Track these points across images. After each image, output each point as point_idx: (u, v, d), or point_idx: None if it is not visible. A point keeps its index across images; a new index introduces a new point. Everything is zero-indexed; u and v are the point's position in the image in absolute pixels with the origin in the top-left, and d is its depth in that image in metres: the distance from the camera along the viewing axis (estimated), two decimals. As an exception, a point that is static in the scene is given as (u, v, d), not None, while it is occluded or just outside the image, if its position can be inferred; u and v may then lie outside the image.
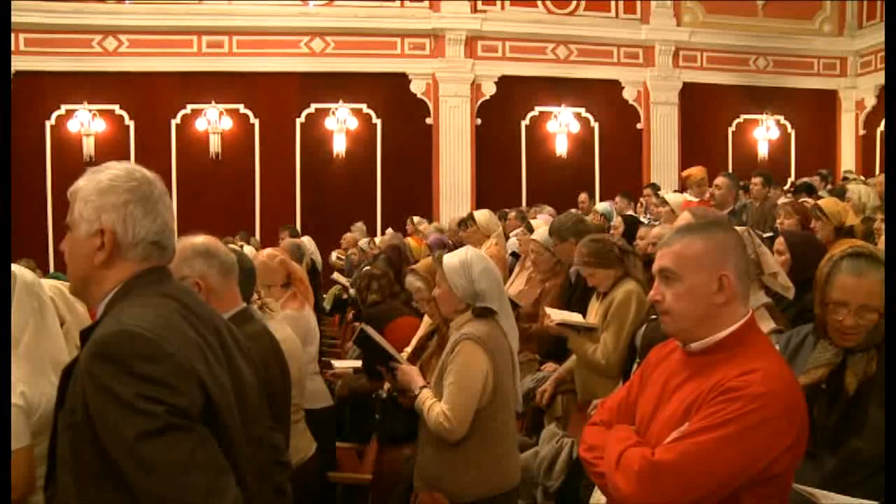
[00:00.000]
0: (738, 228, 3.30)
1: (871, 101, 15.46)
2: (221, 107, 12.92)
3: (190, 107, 12.93)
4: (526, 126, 14.13)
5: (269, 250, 4.69)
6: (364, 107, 13.51)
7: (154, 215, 1.76)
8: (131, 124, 12.84)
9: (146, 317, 1.63)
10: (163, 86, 12.67)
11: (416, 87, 13.61)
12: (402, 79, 13.51)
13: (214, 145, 12.89)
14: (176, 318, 1.69)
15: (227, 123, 13.00)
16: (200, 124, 12.91)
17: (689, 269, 1.93)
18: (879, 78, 15.17)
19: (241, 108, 13.16)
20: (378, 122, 13.61)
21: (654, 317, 3.66)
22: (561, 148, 14.09)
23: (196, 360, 1.64)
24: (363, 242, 10.26)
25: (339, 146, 13.29)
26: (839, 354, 2.46)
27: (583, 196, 11.73)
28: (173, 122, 12.96)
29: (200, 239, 2.67)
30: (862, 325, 2.42)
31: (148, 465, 1.53)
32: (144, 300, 1.69)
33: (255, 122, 13.23)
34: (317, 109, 13.38)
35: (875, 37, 15.06)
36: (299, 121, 13.37)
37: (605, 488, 1.93)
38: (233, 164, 13.02)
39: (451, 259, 3.24)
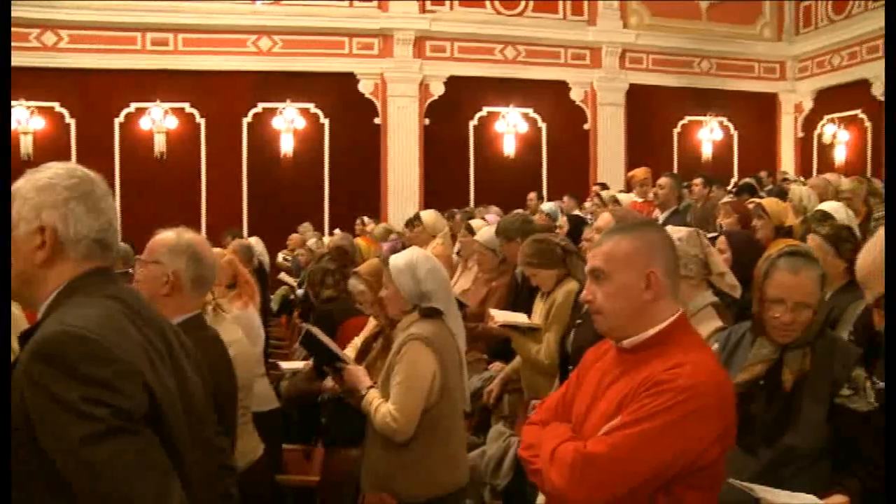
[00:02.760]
0: (687, 229, 3.38)
1: (808, 105, 15.91)
2: (166, 105, 12.68)
3: (134, 105, 12.67)
4: (474, 126, 14.19)
5: (217, 250, 4.64)
6: (312, 106, 13.42)
7: (97, 213, 1.73)
8: (72, 122, 12.53)
9: (90, 318, 1.59)
10: (105, 83, 12.37)
11: (365, 87, 13.57)
12: (350, 78, 13.45)
13: (159, 145, 12.64)
14: (120, 319, 1.66)
15: (173, 122, 12.77)
16: (145, 123, 12.65)
17: (617, 268, 1.97)
18: (816, 82, 15.61)
19: (187, 106, 12.94)
20: (326, 121, 13.53)
21: (579, 321, 3.70)
22: (509, 148, 14.18)
23: (141, 361, 1.62)
24: (312, 242, 10.19)
25: (287, 146, 13.17)
26: (776, 351, 2.53)
27: (531, 195, 11.83)
28: (116, 121, 12.69)
29: (196, 240, 2.65)
30: (798, 322, 2.49)
31: (93, 470, 1.50)
32: (88, 301, 1.66)
33: (202, 121, 13.03)
34: (264, 109, 13.24)
35: (811, 43, 15.52)
36: (246, 120, 13.22)
37: (541, 485, 1.95)
38: (178, 163, 12.79)
39: (397, 260, 3.25)
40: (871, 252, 1.87)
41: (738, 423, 1.95)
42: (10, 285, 1.70)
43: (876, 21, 13.80)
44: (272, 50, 13.08)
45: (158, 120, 12.61)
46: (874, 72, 14.01)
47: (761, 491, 2.13)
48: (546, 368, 4.15)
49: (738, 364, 2.57)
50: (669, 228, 3.31)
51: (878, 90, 13.95)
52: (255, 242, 8.52)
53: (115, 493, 1.52)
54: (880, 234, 1.91)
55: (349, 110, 13.53)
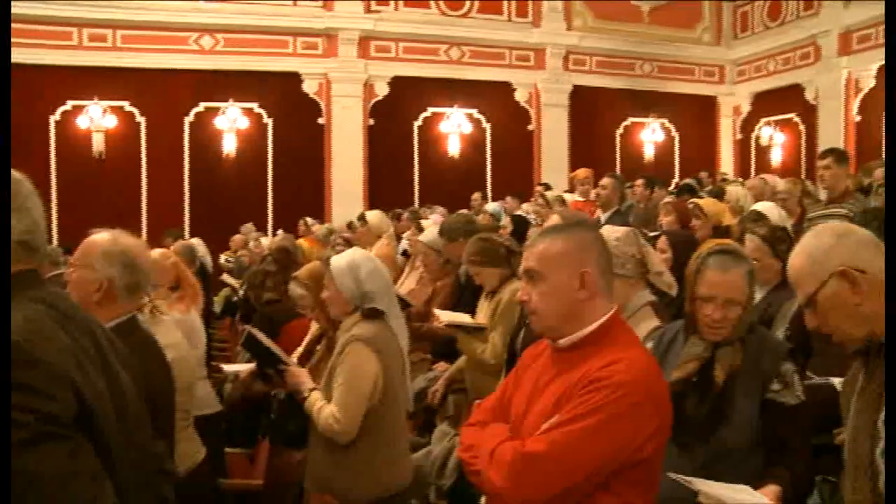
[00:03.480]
0: (624, 228, 3.43)
1: (746, 108, 16.31)
2: (105, 104, 12.38)
3: (71, 103, 12.33)
4: (418, 127, 14.19)
5: (161, 250, 4.57)
6: (255, 106, 13.26)
7: (21, 214, 1.66)
8: (7, 120, 12.18)
9: (16, 321, 1.55)
10: (40, 80, 11.98)
11: (309, 87, 13.47)
12: (294, 78, 13.34)
13: (98, 144, 12.33)
14: (48, 322, 1.62)
15: (112, 121, 12.47)
16: (82, 122, 12.32)
17: (551, 268, 1.99)
18: (754, 86, 16.01)
19: (127, 105, 12.66)
20: (269, 121, 13.39)
21: (528, 321, 3.73)
22: (453, 148, 14.23)
23: (70, 365, 1.58)
24: (254, 243, 10.10)
25: (230, 146, 13.00)
26: (708, 349, 2.59)
27: (476, 196, 11.88)
28: (52, 120, 12.34)
29: (132, 245, 2.58)
30: (728, 319, 2.55)
31: (24, 478, 1.47)
32: (14, 304, 1.61)
33: (142, 120, 12.76)
34: (206, 108, 13.04)
35: (749, 48, 15.93)
36: (188, 120, 13.00)
37: (481, 485, 1.96)
38: (118, 163, 12.49)
39: (338, 261, 3.24)
40: (801, 253, 1.93)
41: (673, 421, 1.98)
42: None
43: (807, 29, 14.24)
44: (215, 48, 12.89)
45: (97, 119, 12.30)
46: (807, 77, 14.42)
47: (699, 483, 2.17)
48: (492, 368, 4.15)
49: (671, 362, 2.62)
50: (607, 228, 3.36)
51: (811, 95, 14.36)
52: (197, 244, 8.39)
53: (45, 500, 1.49)
54: (808, 236, 1.97)
55: (293, 110, 13.42)
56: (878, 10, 12.75)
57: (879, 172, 8.11)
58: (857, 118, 13.53)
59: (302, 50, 13.39)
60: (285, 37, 13.24)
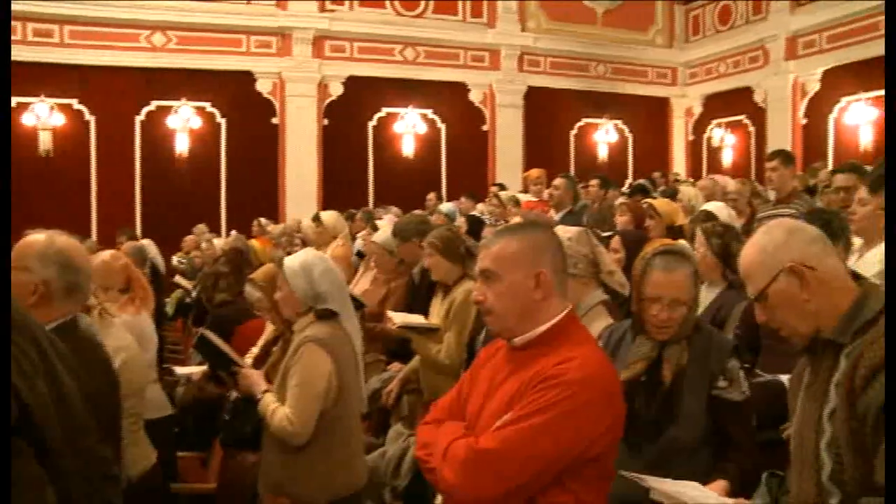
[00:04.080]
0: (577, 228, 3.45)
1: (698, 109, 16.59)
2: (52, 101, 12.09)
3: (16, 100, 11.97)
4: (373, 127, 14.15)
5: (112, 252, 4.49)
6: (208, 105, 13.10)
7: None
8: (-55, 118, 11.85)
9: None
10: (-17, 77, 11.73)
11: (262, 86, 13.35)
12: (247, 77, 13.21)
13: (44, 143, 12.04)
14: None
15: (59, 119, 12.18)
16: (28, 119, 11.98)
17: (507, 268, 2.00)
18: (705, 88, 16.29)
19: (75, 103, 12.39)
20: (222, 121, 13.24)
21: None
22: (408, 149, 14.22)
23: (9, 370, 1.54)
24: (206, 245, 9.97)
25: (182, 146, 12.82)
26: (655, 348, 2.64)
27: (431, 196, 11.89)
28: (-3, 117, 12.05)
29: (69, 246, 2.51)
30: (674, 319, 2.60)
31: None
32: None
33: (91, 118, 12.50)
34: (158, 107, 12.83)
35: (700, 50, 16.21)
36: (139, 118, 12.78)
37: (436, 483, 1.97)
38: (66, 162, 12.21)
39: (291, 262, 3.22)
40: (753, 248, 1.96)
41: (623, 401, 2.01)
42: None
43: (756, 33, 14.55)
44: (166, 46, 12.70)
45: (43, 117, 12.01)
46: (756, 80, 14.72)
47: (651, 481, 2.19)
48: (447, 368, 4.15)
49: (620, 361, 2.66)
50: (560, 228, 3.39)
51: (760, 97, 14.65)
52: (148, 244, 8.26)
53: None
54: (760, 231, 2.00)
55: (246, 110, 13.28)
56: (823, 16, 13.12)
57: (824, 174, 8.30)
58: (804, 121, 13.83)
59: (255, 49, 13.27)
60: (238, 35, 13.10)
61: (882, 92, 12.33)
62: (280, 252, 7.14)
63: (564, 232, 3.23)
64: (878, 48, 12.20)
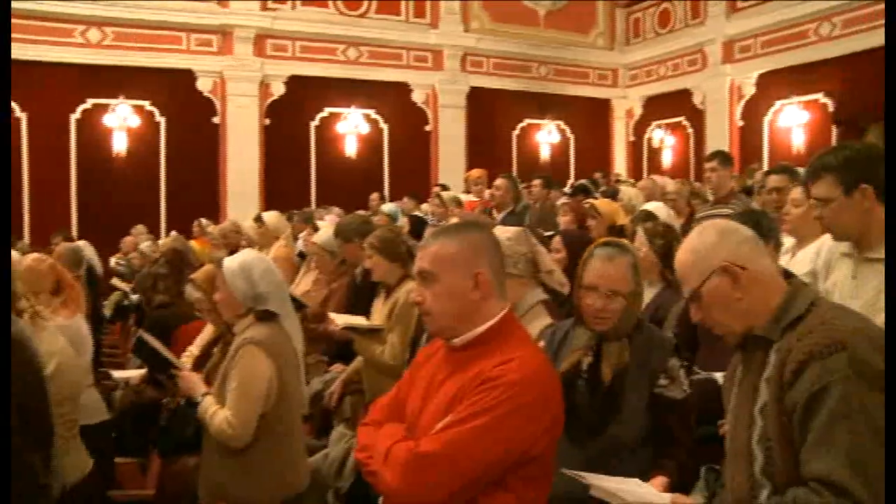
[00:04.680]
0: (516, 228, 3.47)
1: (638, 111, 16.87)
2: (-19, 99, 11.76)
3: (-57, 98, 11.66)
4: (316, 127, 14.06)
5: (36, 255, 4.37)
6: (147, 104, 12.85)
7: None
8: None
9: None
10: None
11: (203, 85, 13.16)
12: (187, 75, 13.00)
13: (-26, 141, 11.71)
14: None
15: (-11, 117, 11.85)
16: (-44, 117, 11.66)
17: (445, 269, 2.00)
18: (645, 90, 16.57)
19: (7, 100, 12.07)
20: (162, 120, 12.99)
21: None
22: (350, 149, 14.17)
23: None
24: (144, 246, 9.78)
25: (120, 145, 12.55)
26: (593, 338, 2.67)
27: (374, 196, 11.85)
28: (-78, 115, 11.64)
29: None
30: (610, 310, 2.63)
31: None
32: None
33: (23, 116, 12.11)
34: (94, 105, 12.52)
35: (640, 53, 16.48)
36: (74, 117, 12.46)
37: (377, 486, 1.96)
38: (-3, 161, 11.89)
39: (230, 263, 3.18)
40: (687, 249, 2.00)
41: (565, 415, 2.02)
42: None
43: (695, 37, 14.86)
44: (102, 42, 12.42)
45: (-27, 114, 11.66)
46: (694, 82, 15.03)
47: (591, 478, 2.21)
48: (391, 369, 4.12)
49: (564, 359, 2.68)
50: (499, 228, 3.41)
51: (698, 99, 14.96)
52: (84, 246, 8.08)
53: None
54: (693, 233, 2.04)
55: (187, 108, 13.07)
56: (757, 22, 13.48)
57: (759, 175, 8.49)
58: (740, 123, 14.16)
59: (196, 47, 13.06)
60: (178, 32, 12.88)
61: (814, 96, 12.74)
62: (220, 252, 7.05)
63: (503, 232, 3.25)
64: (809, 54, 12.61)
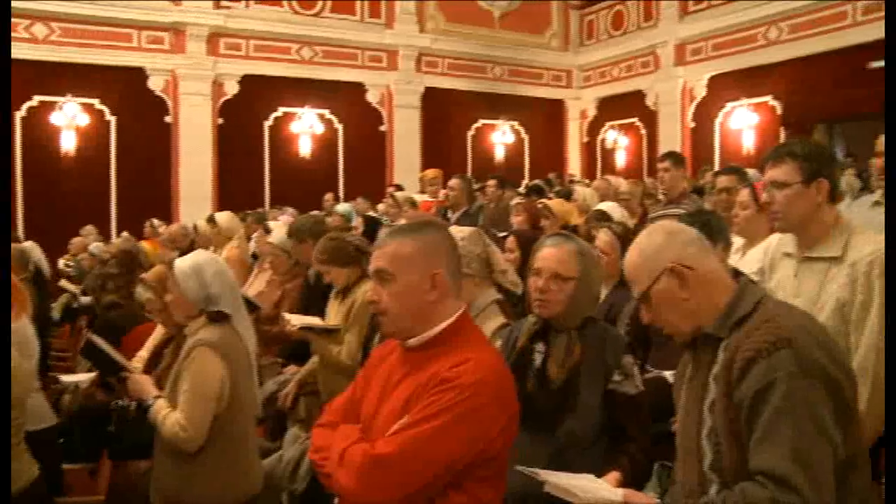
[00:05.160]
0: (470, 228, 3.48)
1: (592, 112, 17.04)
2: (-80, 96, 11.44)
3: None
4: (270, 126, 13.96)
5: (-25, 256, 4.26)
6: (96, 102, 12.61)
7: None
8: None
9: None
10: None
11: (155, 84, 12.97)
12: (139, 74, 12.80)
13: None
14: None
15: (-72, 115, 11.53)
16: None
17: (402, 268, 1.98)
18: (599, 91, 16.74)
19: (-54, 97, 11.74)
20: (112, 118, 12.77)
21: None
22: (305, 149, 14.10)
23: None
24: (94, 247, 9.61)
25: (68, 144, 12.29)
26: (537, 322, 2.71)
27: (328, 196, 11.81)
28: None
29: None
30: (553, 292, 2.66)
31: None
32: None
33: (-36, 113, 11.86)
34: (41, 103, 12.24)
35: (594, 54, 16.66)
36: (19, 114, 12.13)
37: (332, 488, 1.95)
38: (-63, 160, 11.58)
39: (182, 263, 3.14)
40: (636, 251, 2.03)
41: (522, 411, 2.03)
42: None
43: (647, 39, 15.08)
44: (49, 38, 12.14)
45: None
46: (647, 84, 15.23)
47: (545, 475, 2.23)
48: (349, 369, 4.10)
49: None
50: (453, 228, 3.42)
51: (651, 101, 15.17)
52: (32, 247, 7.89)
53: None
54: (642, 234, 2.07)
55: (138, 107, 12.86)
56: (708, 26, 13.73)
57: (710, 176, 8.63)
58: (692, 124, 14.38)
59: (147, 44, 12.87)
60: (129, 29, 12.67)
61: (762, 98, 13.00)
62: (172, 254, 6.95)
63: (458, 232, 3.26)
64: (758, 58, 12.87)
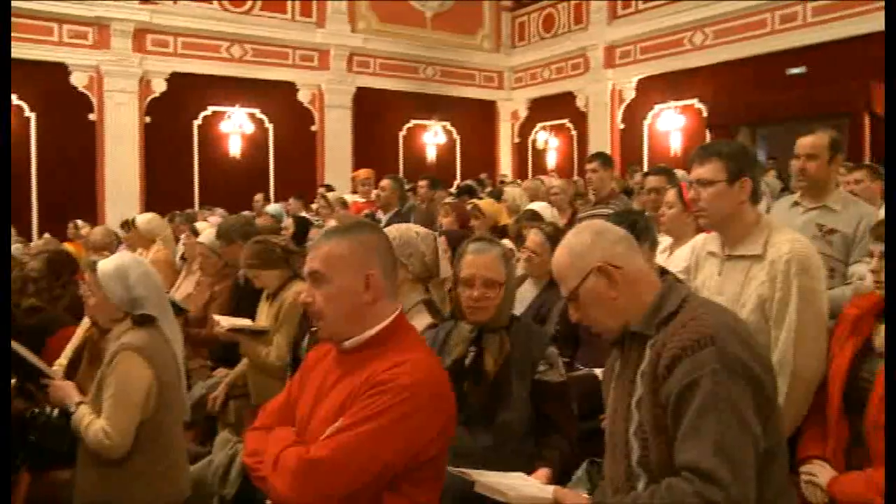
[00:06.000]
0: (428, 230, 3.50)
1: (523, 113, 17.21)
2: None
3: None
4: (198, 126, 13.73)
5: None
6: (15, 98, 12.17)
7: None
8: None
9: None
10: None
11: (77, 80, 12.63)
12: (61, 69, 12.44)
13: None
14: None
15: None
16: None
17: (336, 269, 1.97)
18: (530, 92, 16.91)
19: None
20: (32, 115, 12.36)
21: (314, 329, 3.72)
22: (234, 149, 13.92)
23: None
24: (14, 249, 9.27)
25: (-15, 142, 11.88)
26: (474, 330, 2.73)
27: (258, 197, 11.67)
28: None
29: None
30: (487, 299, 2.70)
31: None
32: None
33: None
34: (-46, 100, 11.80)
35: (526, 56, 16.83)
36: (-71, 111, 11.71)
37: (267, 492, 1.92)
38: None
39: (105, 265, 3.06)
40: (564, 250, 2.05)
41: (457, 407, 2.03)
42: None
43: (577, 42, 15.31)
44: (-37, 32, 11.72)
45: None
46: (577, 86, 15.46)
47: (475, 475, 2.23)
48: (277, 371, 4.10)
49: (447, 357, 2.72)
50: (412, 225, 3.45)
51: (581, 102, 15.39)
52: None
53: None
54: (570, 234, 2.09)
55: (60, 104, 12.49)
56: (637, 29, 14.01)
57: (639, 177, 8.79)
58: (622, 126, 14.65)
59: (69, 39, 12.50)
60: (50, 24, 12.30)
61: (689, 101, 13.32)
62: (96, 256, 6.73)
63: (412, 230, 3.35)
64: (685, 61, 13.19)
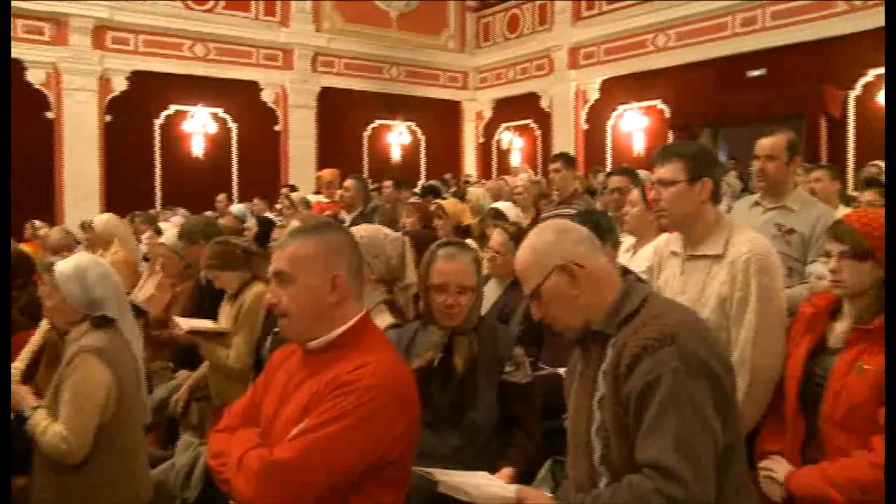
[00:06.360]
0: (397, 235, 3.49)
1: (488, 113, 17.26)
2: None
3: None
4: (160, 125, 13.57)
5: None
6: (-33, 96, 11.95)
7: None
8: None
9: None
10: None
11: (35, 77, 12.40)
12: (16, 66, 12.14)
13: None
14: None
15: None
16: None
17: (302, 270, 1.96)
18: (495, 92, 16.97)
19: None
20: (-13, 112, 12.12)
21: (276, 330, 3.69)
22: (197, 148, 13.78)
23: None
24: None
25: (-64, 140, 11.61)
26: (445, 336, 2.73)
27: (221, 197, 11.58)
28: None
29: None
30: (460, 305, 2.71)
31: None
32: None
33: None
34: None
35: (490, 56, 16.89)
36: None
37: (231, 494, 1.91)
38: None
39: (64, 266, 3.01)
40: (527, 249, 2.06)
41: (423, 408, 2.04)
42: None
43: (542, 42, 15.39)
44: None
45: None
46: (542, 87, 15.54)
47: (438, 474, 2.23)
48: (237, 373, 4.07)
49: (414, 358, 2.72)
50: (382, 228, 3.44)
51: (546, 103, 15.47)
52: None
53: None
54: (532, 233, 2.10)
55: (16, 102, 12.07)
56: (601, 31, 14.12)
57: (602, 176, 8.86)
58: (585, 126, 14.75)
59: (25, 35, 12.21)
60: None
61: (652, 102, 13.45)
62: (56, 257, 6.63)
63: (382, 232, 3.34)
64: (648, 63, 13.33)
